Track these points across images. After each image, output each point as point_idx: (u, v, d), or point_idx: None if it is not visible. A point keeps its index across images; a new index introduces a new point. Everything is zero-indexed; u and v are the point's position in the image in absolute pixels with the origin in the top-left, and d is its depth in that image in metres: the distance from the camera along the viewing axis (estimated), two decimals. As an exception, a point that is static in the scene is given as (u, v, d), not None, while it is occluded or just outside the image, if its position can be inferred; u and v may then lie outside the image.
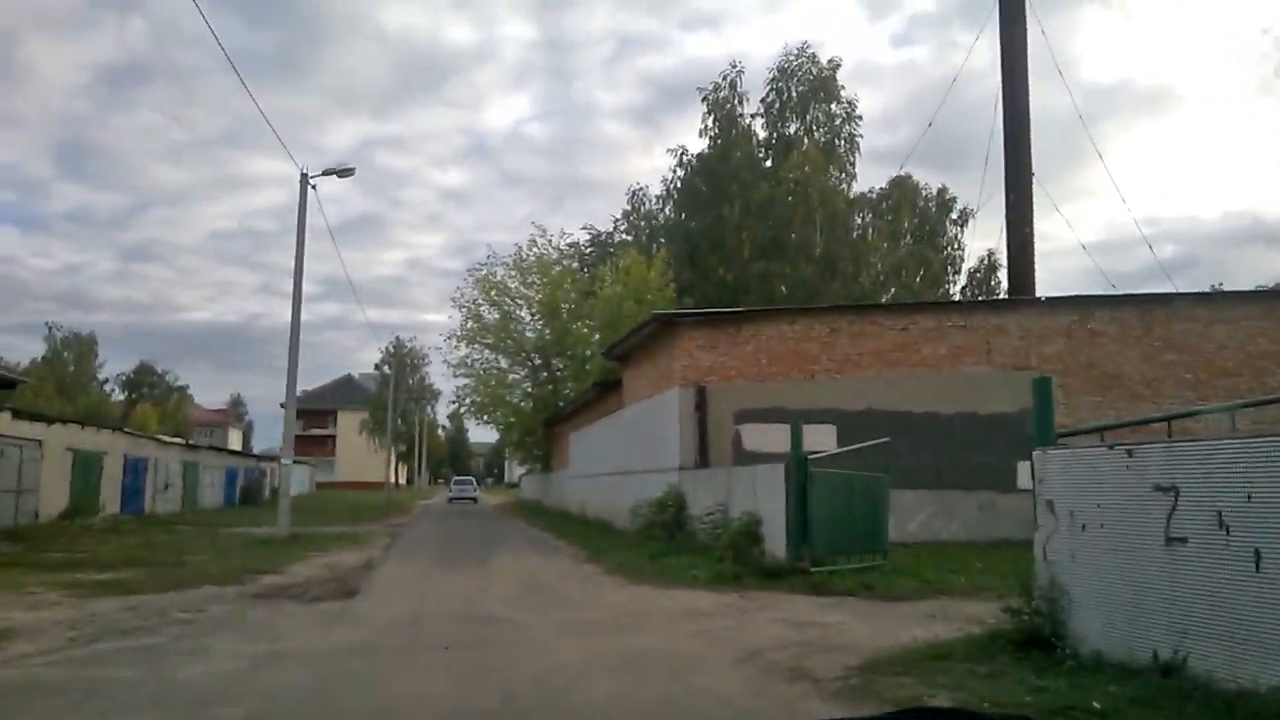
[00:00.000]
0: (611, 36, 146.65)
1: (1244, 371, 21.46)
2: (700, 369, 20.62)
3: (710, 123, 46.86)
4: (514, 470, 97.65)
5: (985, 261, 46.13)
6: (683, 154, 47.84)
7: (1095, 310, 21.64)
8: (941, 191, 47.66)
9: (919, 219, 47.31)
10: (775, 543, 14.40)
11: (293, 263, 24.48)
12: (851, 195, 46.16)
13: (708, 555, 15.66)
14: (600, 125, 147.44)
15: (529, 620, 10.56)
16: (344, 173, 25.02)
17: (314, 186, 24.59)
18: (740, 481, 16.54)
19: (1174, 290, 23.47)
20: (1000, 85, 26.20)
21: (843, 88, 46.91)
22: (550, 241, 47.28)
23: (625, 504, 23.87)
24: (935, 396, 20.88)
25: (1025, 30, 25.84)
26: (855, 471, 15.31)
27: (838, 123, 47.01)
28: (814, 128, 46.70)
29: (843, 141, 46.99)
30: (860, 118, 47.06)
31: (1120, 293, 22.83)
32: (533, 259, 46.02)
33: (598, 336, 43.06)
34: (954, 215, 47.27)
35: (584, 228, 53.61)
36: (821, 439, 19.92)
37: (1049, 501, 7.86)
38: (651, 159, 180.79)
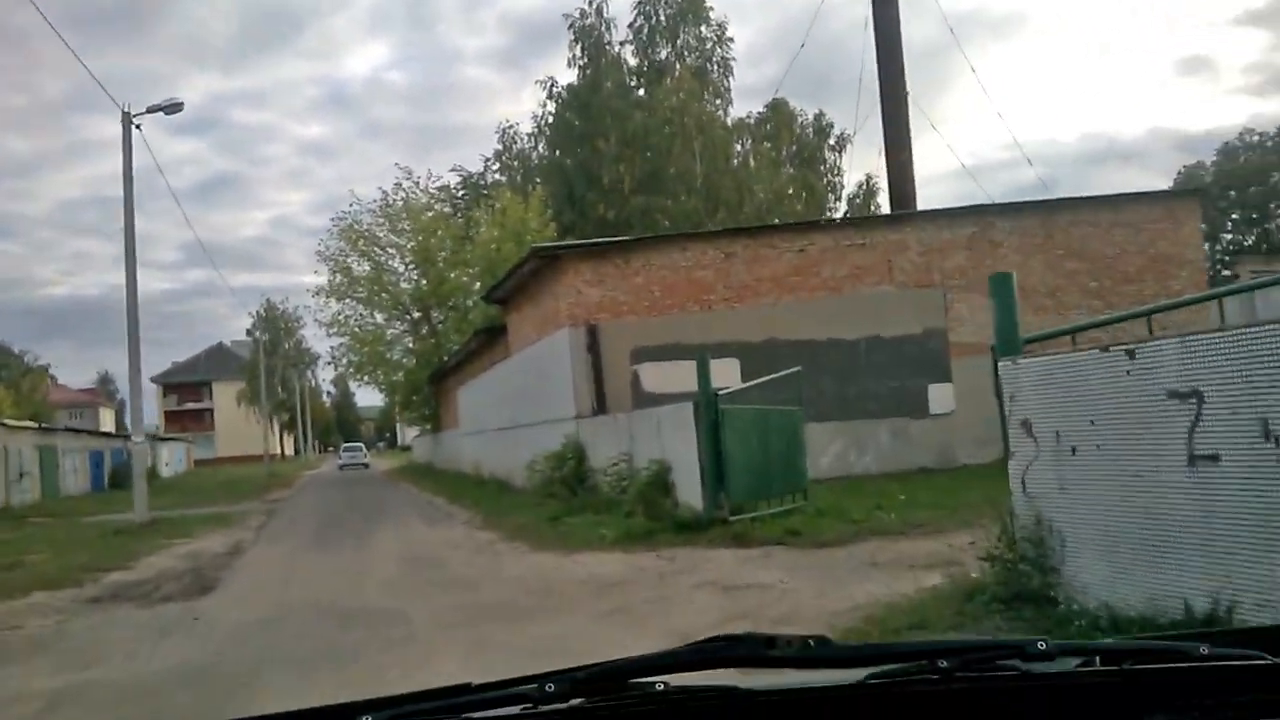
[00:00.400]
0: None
1: (1147, 276, 20.93)
2: (589, 306, 18.99)
3: (578, 52, 44.77)
4: (406, 433, 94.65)
5: (864, 186, 45.53)
6: (552, 85, 45.67)
7: (996, 220, 20.74)
8: (819, 117, 46.70)
9: (797, 146, 46.36)
10: (689, 491, 13.01)
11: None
12: (729, 122, 44.80)
13: (615, 511, 14.20)
14: (464, 70, 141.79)
15: (412, 610, 8.89)
16: (171, 109, 22.35)
17: (138, 126, 21.96)
18: (644, 426, 15.08)
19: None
20: (871, 7, 25.21)
21: (711, 9, 45.28)
22: (418, 185, 44.61)
23: (521, 460, 22.27)
24: (838, 321, 19.75)
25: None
26: (769, 406, 13.99)
27: (709, 46, 45.48)
28: (685, 52, 45.06)
29: (715, 66, 45.52)
30: (732, 40, 45.64)
31: (1023, 200, 21.99)
32: (400, 204, 43.35)
33: (478, 285, 40.99)
34: (832, 141, 46.48)
35: (454, 169, 50.88)
36: (724, 374, 18.59)
37: (1024, 421, 6.52)
38: (520, 104, 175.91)
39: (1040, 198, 20.98)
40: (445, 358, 40.82)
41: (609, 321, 19.01)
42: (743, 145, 45.05)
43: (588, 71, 44.54)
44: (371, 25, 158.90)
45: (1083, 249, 20.85)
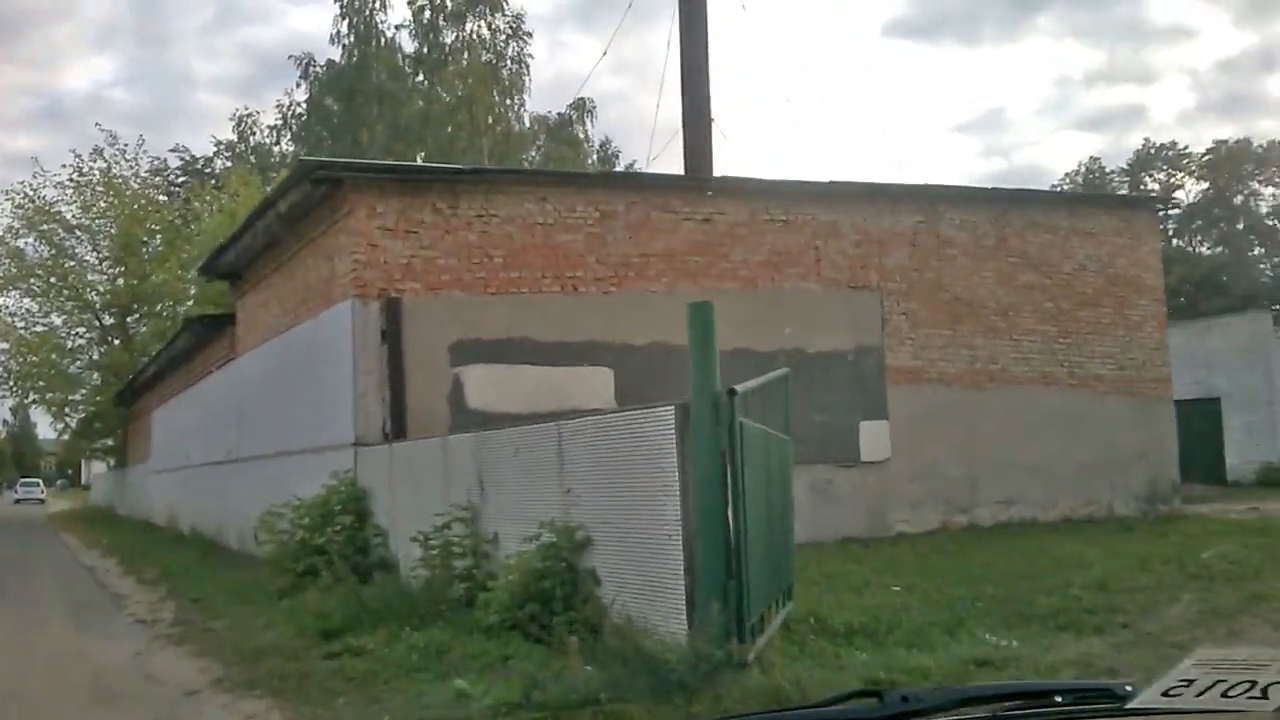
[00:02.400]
0: (211, 3, 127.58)
1: (1106, 300, 16.43)
2: (390, 269, 11.76)
3: (345, 28, 37.06)
4: (93, 470, 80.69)
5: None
6: (309, 64, 37.66)
7: (944, 209, 15.46)
8: (605, 144, 41.14)
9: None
10: (642, 596, 6.20)
11: None
12: (526, 123, 38.48)
13: (458, 626, 7.11)
14: (196, 95, 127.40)
15: None
16: None
17: None
18: (513, 456, 8.11)
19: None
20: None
21: (508, -6, 38.80)
22: (124, 154, 34.87)
23: (242, 511, 14.50)
24: (749, 325, 13.50)
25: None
26: (768, 430, 7.53)
27: (503, 39, 38.90)
28: (475, 42, 38.29)
29: (510, 62, 38.98)
30: (530, 34, 39.26)
31: (972, 185, 16.92)
32: (98, 175, 33.56)
33: (194, 291, 32.00)
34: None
35: (175, 149, 41.18)
36: (591, 388, 12.28)
37: None
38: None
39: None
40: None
41: (420, 296, 11.89)
42: (539, 147, 38.68)
43: (354, 53, 36.98)
44: (99, 39, 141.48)
45: (1040, 259, 16.03)
